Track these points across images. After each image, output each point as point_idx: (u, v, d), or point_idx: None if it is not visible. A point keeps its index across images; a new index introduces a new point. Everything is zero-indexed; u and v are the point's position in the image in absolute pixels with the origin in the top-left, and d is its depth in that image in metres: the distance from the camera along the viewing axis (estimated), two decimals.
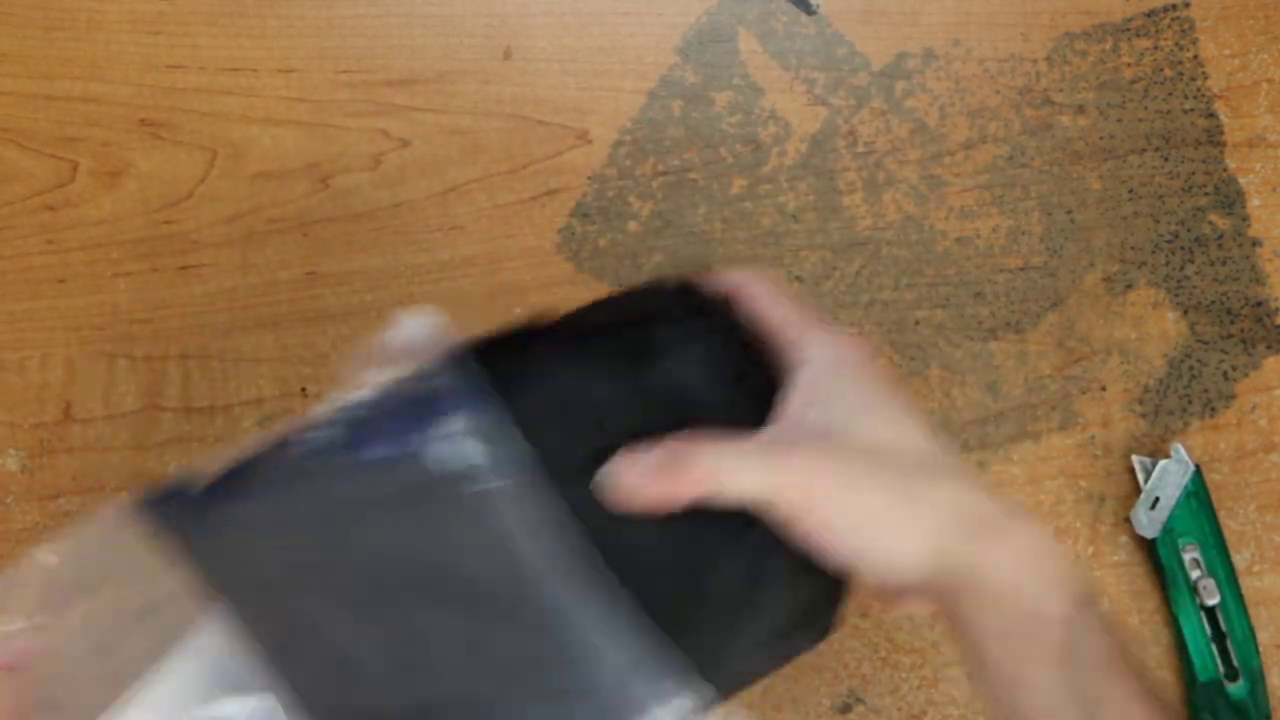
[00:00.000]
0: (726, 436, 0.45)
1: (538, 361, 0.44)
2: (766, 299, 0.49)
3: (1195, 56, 0.68)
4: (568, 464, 0.42)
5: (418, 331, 0.44)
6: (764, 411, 0.47)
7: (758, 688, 0.64)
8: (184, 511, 0.43)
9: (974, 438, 0.66)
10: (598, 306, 0.48)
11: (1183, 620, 0.64)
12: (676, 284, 0.48)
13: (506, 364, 0.43)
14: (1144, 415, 0.66)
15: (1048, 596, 0.44)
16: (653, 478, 0.44)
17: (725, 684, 0.47)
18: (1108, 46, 0.67)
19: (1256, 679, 0.63)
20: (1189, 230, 0.67)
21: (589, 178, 0.67)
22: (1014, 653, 0.45)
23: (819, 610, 0.49)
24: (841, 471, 0.45)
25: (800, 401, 0.47)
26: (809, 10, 0.67)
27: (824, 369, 0.47)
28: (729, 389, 0.47)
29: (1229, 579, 0.64)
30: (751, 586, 0.46)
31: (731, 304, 0.48)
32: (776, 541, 0.45)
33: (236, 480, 0.44)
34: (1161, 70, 0.67)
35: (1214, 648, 0.63)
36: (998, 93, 0.66)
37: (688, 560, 0.45)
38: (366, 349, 0.44)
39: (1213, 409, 0.66)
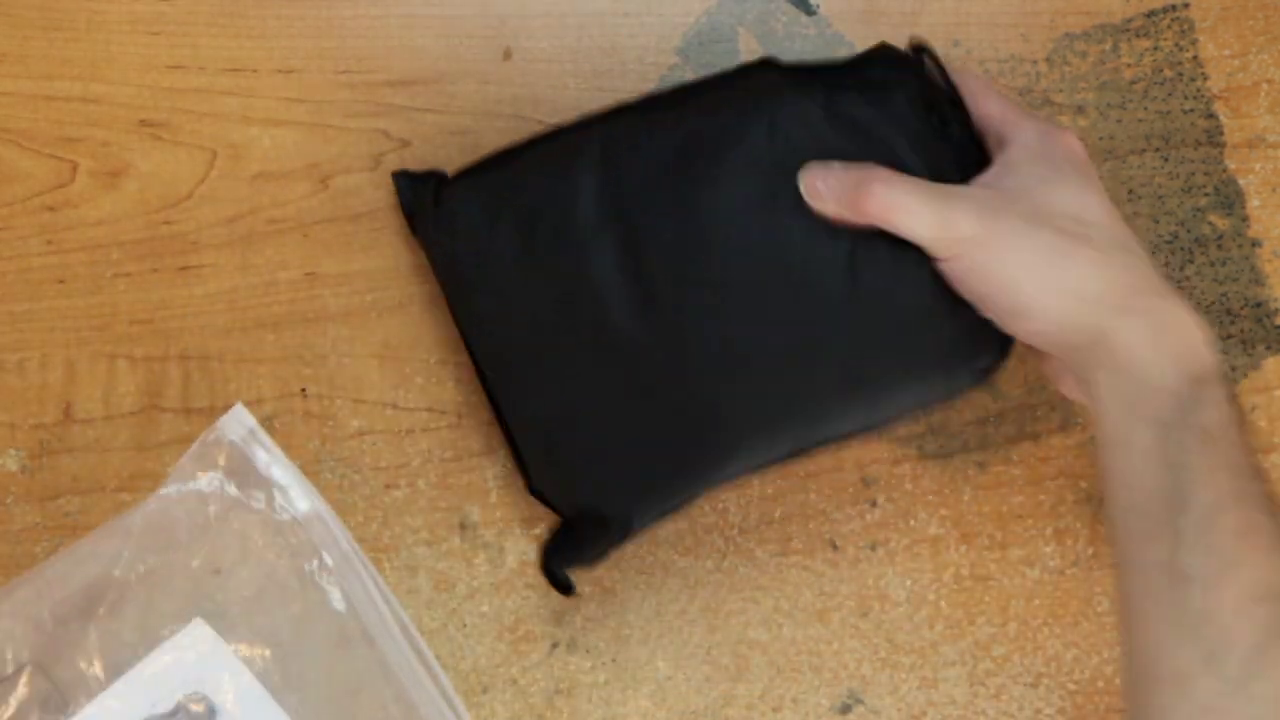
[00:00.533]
0: (911, 178, 0.51)
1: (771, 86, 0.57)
2: (984, 89, 0.55)
3: (1195, 57, 0.68)
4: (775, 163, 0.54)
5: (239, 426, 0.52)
6: (965, 168, 0.55)
7: (757, 688, 0.64)
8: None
9: (974, 438, 0.66)
10: (836, 63, 0.59)
11: None
12: (905, 51, 0.59)
13: (752, 84, 0.57)
14: None
15: (1165, 369, 0.47)
16: (835, 193, 0.51)
17: (883, 406, 0.58)
18: (1108, 47, 0.67)
19: None
20: (1189, 231, 0.67)
21: None
22: (1123, 416, 0.48)
23: (981, 345, 0.56)
24: (1007, 225, 0.49)
25: (998, 169, 0.52)
26: (809, 10, 0.67)
27: (1029, 147, 0.52)
28: (933, 133, 0.56)
29: None
30: (922, 309, 0.55)
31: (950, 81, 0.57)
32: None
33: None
34: (1161, 70, 0.67)
35: None
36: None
37: (869, 274, 0.54)
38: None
39: None
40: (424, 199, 0.58)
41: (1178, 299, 0.49)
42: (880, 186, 0.50)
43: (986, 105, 0.55)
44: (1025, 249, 0.49)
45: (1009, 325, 0.51)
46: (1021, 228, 0.49)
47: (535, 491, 0.62)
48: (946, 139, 0.57)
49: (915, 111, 0.56)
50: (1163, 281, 0.50)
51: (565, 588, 0.60)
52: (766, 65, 0.60)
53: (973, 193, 0.51)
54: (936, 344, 0.57)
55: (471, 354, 0.62)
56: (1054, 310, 0.49)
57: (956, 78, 0.55)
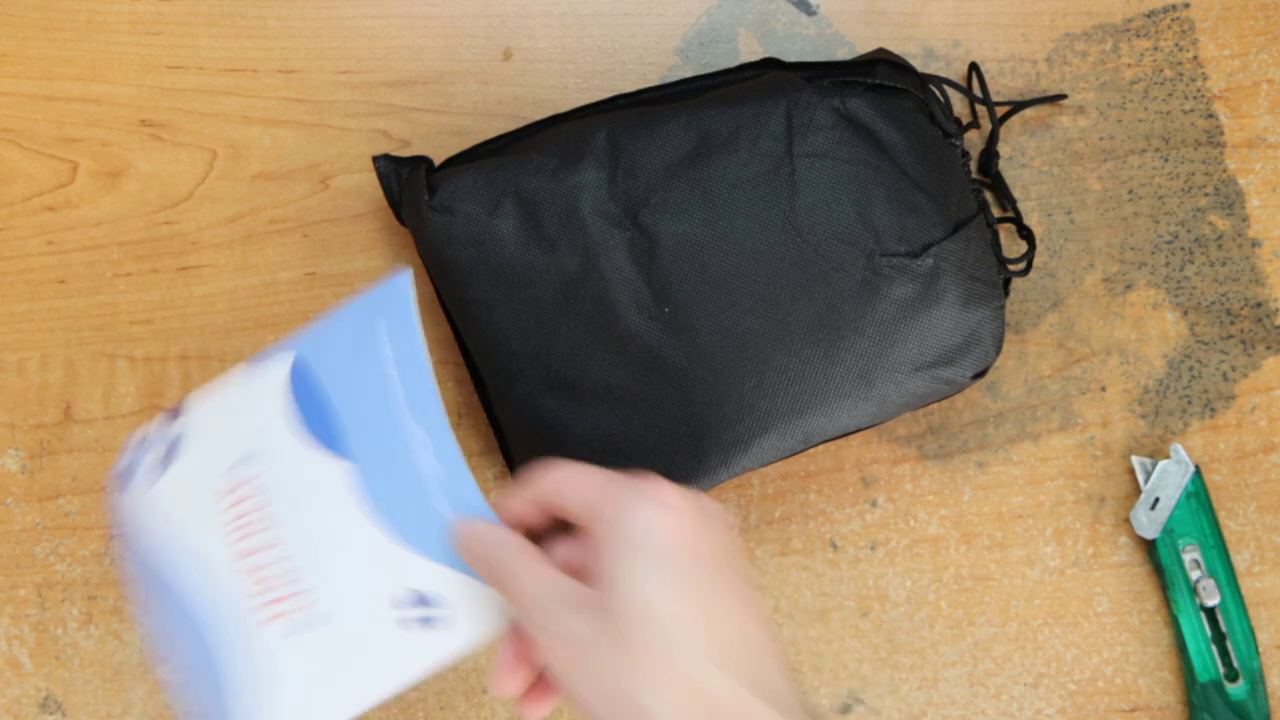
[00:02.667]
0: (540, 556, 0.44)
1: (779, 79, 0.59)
2: (570, 478, 0.45)
3: (1195, 57, 0.67)
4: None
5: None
6: (964, 175, 0.60)
7: None
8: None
9: (974, 438, 0.66)
10: (839, 63, 0.62)
11: (1183, 621, 0.64)
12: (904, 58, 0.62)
13: (766, 81, 0.59)
14: (1144, 416, 0.66)
15: None
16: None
17: (891, 401, 0.59)
18: (1108, 47, 0.67)
19: (1256, 680, 0.63)
20: (1189, 231, 0.67)
21: None
22: None
23: (974, 345, 0.59)
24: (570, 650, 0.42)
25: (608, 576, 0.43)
26: (809, 11, 0.67)
27: (632, 548, 0.43)
28: (935, 138, 0.59)
29: (1229, 579, 0.64)
30: (932, 304, 0.57)
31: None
32: (948, 270, 0.57)
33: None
34: (1161, 70, 0.67)
35: (1214, 648, 0.63)
36: (998, 93, 0.66)
37: (885, 270, 0.57)
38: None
39: (1212, 410, 0.66)
40: (415, 186, 0.59)
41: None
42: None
43: (576, 493, 0.45)
44: (585, 680, 0.42)
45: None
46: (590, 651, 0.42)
47: None
48: (948, 145, 0.59)
49: (918, 117, 0.58)
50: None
51: None
52: (770, 64, 0.61)
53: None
54: (944, 338, 0.58)
55: (461, 344, 0.62)
56: None
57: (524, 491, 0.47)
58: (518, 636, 0.46)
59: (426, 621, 0.46)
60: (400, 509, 0.47)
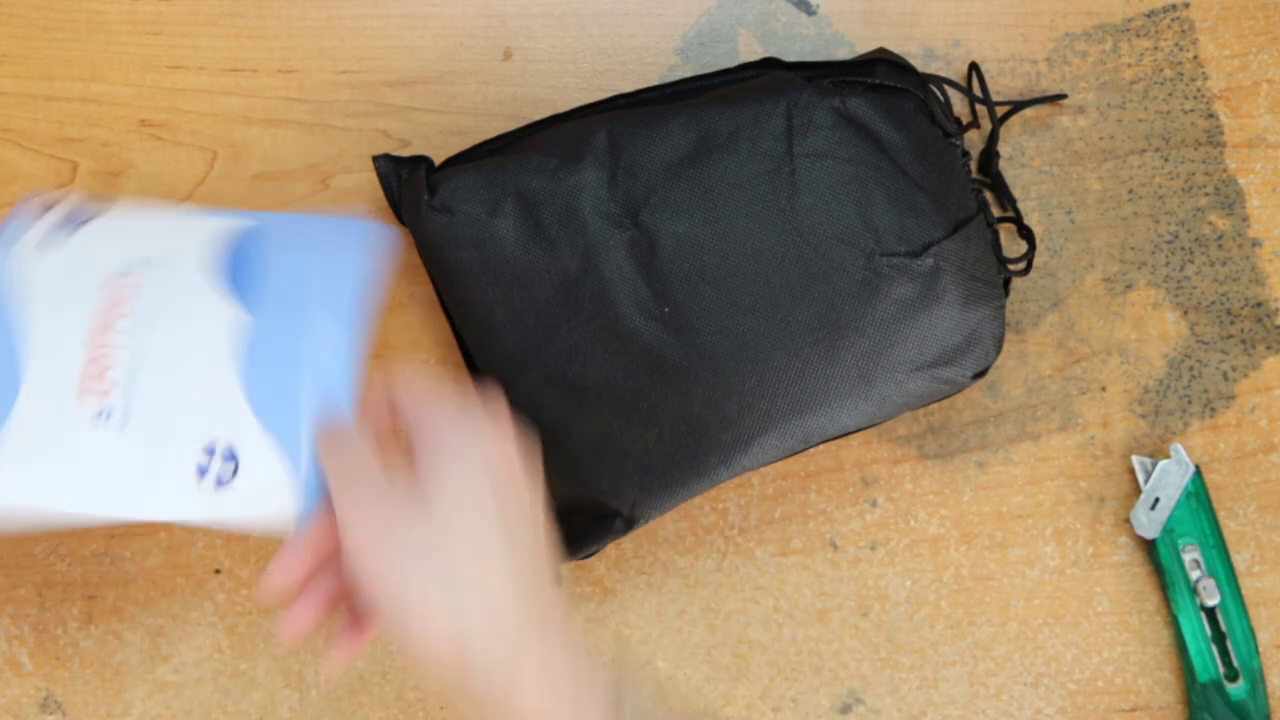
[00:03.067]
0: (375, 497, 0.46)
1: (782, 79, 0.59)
2: (407, 395, 0.49)
3: (1195, 57, 0.67)
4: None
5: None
6: (964, 174, 0.60)
7: (757, 689, 0.64)
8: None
9: (974, 438, 0.66)
10: (839, 63, 0.62)
11: (1183, 620, 0.64)
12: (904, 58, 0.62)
13: (767, 80, 0.60)
14: (1144, 416, 0.66)
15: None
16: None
17: (891, 400, 0.59)
18: (1108, 47, 0.67)
19: (1256, 680, 0.63)
20: (1189, 230, 0.67)
21: None
22: None
23: (974, 345, 0.59)
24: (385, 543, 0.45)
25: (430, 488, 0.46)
26: (809, 11, 0.67)
27: (450, 476, 0.46)
28: (935, 138, 0.59)
29: (1229, 579, 0.64)
30: (933, 304, 0.57)
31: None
32: (948, 270, 0.57)
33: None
34: (1161, 70, 0.67)
35: (1214, 648, 0.63)
36: (998, 93, 0.66)
37: (885, 269, 0.57)
38: None
39: (1213, 409, 0.66)
40: (415, 186, 0.59)
41: (557, 638, 0.46)
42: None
43: (411, 410, 0.49)
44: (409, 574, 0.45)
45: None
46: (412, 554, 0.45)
47: None
48: (948, 145, 0.59)
49: (918, 117, 0.58)
50: (540, 621, 0.46)
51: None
52: (770, 64, 0.61)
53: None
54: (944, 338, 0.58)
55: (461, 344, 0.62)
56: (436, 645, 0.45)
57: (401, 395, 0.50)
58: (318, 530, 0.47)
59: (218, 478, 0.48)
60: (267, 371, 0.49)
